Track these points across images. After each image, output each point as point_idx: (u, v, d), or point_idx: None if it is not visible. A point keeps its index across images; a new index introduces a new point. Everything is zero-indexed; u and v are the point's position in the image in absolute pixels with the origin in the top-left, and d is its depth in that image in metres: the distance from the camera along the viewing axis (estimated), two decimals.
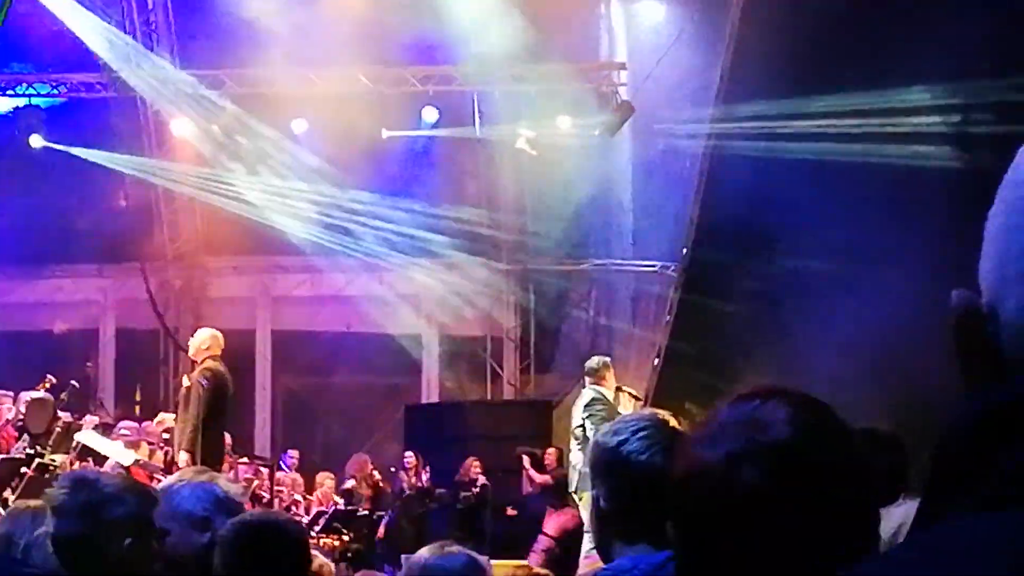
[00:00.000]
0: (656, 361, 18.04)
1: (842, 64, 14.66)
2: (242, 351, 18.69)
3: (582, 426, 12.33)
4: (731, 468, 1.65)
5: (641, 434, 3.08)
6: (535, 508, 16.53)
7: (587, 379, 12.83)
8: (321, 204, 18.89)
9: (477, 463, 17.30)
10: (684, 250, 17.92)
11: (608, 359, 13.30)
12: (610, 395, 12.67)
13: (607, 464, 3.13)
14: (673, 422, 3.21)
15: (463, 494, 16.98)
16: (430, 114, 18.63)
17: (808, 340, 15.26)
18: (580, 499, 12.68)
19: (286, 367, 20.99)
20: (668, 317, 18.27)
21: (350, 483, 17.26)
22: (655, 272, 18.21)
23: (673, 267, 18.01)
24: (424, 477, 17.57)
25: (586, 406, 12.45)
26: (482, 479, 17.07)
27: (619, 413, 12.06)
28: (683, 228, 17.58)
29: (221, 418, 12.04)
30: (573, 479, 12.68)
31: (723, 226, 16.94)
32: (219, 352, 12.19)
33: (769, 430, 1.67)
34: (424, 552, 4.32)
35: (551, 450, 16.70)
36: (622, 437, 3.09)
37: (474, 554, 4.32)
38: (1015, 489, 0.91)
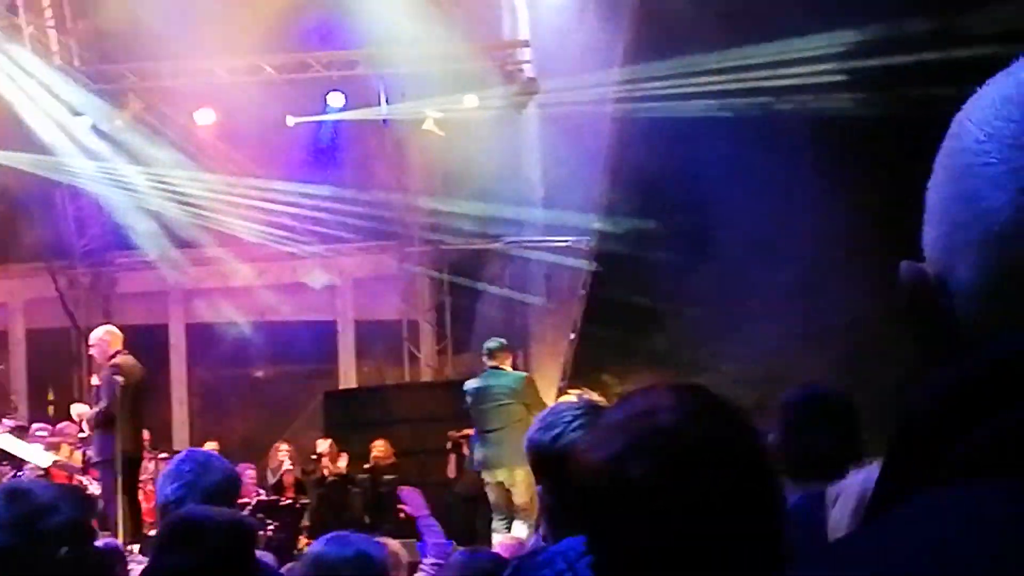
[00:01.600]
0: (572, 335, 18.12)
1: (741, 18, 14.68)
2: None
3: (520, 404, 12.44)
4: (618, 466, 1.61)
5: (575, 424, 3.06)
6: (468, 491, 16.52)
7: (491, 360, 12.92)
8: (229, 194, 18.73)
9: (380, 444, 17.24)
10: (595, 224, 18.00)
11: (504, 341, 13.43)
12: None
13: (546, 461, 3.11)
14: (601, 401, 3.20)
15: (385, 477, 16.97)
16: (336, 99, 18.52)
17: (730, 306, 15.36)
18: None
19: (201, 360, 20.81)
20: (582, 291, 18.35)
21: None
22: (568, 247, 18.27)
23: (585, 241, 18.08)
24: (342, 463, 17.52)
25: (529, 385, 12.63)
26: (380, 458, 17.05)
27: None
28: (593, 202, 17.66)
29: (137, 411, 11.95)
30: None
31: (633, 195, 17.02)
32: (121, 347, 12.10)
33: (653, 418, 1.64)
34: (319, 543, 4.30)
35: None
36: (557, 431, 3.08)
37: (368, 546, 4.27)
38: (987, 460, 0.88)
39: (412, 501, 7.76)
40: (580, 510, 1.68)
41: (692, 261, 17.04)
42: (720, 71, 15.62)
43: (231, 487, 4.72)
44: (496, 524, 12.49)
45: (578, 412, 3.11)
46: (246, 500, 16.01)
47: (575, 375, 16.71)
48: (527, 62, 18.21)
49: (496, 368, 12.81)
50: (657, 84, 15.84)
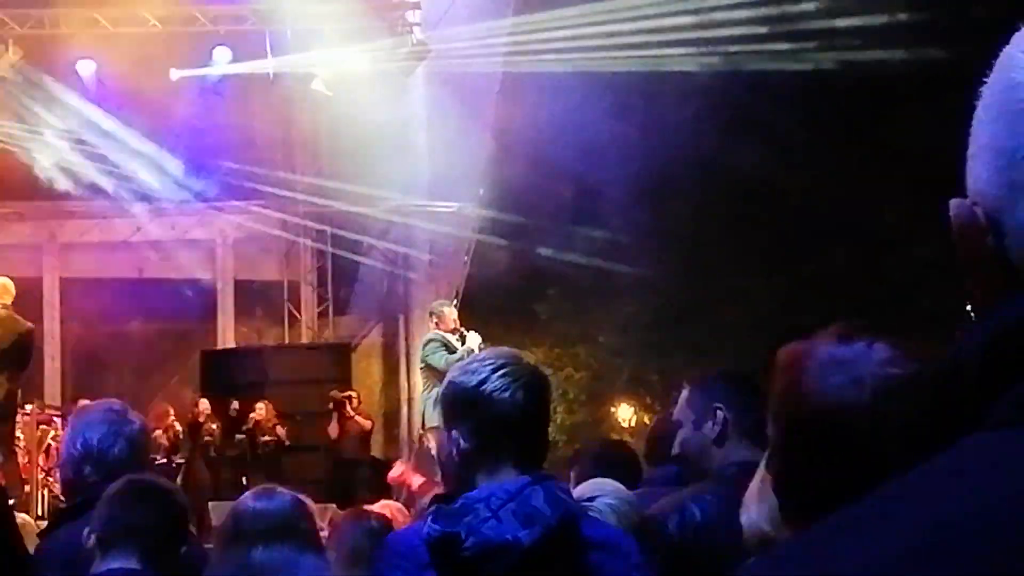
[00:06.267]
0: (455, 301, 18.15)
1: None
2: (29, 299, 18.13)
3: (423, 366, 12.48)
4: (878, 403, 1.69)
5: (500, 372, 3.10)
6: (350, 452, 16.51)
7: (429, 322, 12.94)
8: (109, 148, 18.39)
9: (262, 405, 17.10)
10: (480, 191, 18.02)
11: (447, 302, 13.41)
12: (450, 335, 12.65)
13: (467, 403, 3.13)
14: (522, 354, 3.25)
15: (262, 439, 16.83)
16: (222, 54, 18.19)
17: (610, 277, 15.41)
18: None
19: (76, 315, 20.41)
20: (466, 258, 18.37)
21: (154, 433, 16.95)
22: (452, 213, 18.24)
23: (470, 208, 18.08)
24: (218, 424, 17.35)
25: (423, 347, 12.60)
26: (261, 420, 16.90)
27: (459, 348, 12.18)
28: (479, 168, 17.68)
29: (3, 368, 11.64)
30: (427, 417, 12.77)
31: (518, 160, 17.04)
32: (8, 301, 11.78)
33: (894, 365, 1.73)
34: (248, 496, 4.27)
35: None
36: (481, 376, 3.10)
37: (299, 496, 4.27)
38: None
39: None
40: (812, 441, 1.76)
41: (575, 230, 17.08)
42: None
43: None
44: None
45: (504, 361, 3.15)
46: None
47: None
48: (417, 24, 18.08)
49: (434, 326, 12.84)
50: (545, 36, 15.84)
